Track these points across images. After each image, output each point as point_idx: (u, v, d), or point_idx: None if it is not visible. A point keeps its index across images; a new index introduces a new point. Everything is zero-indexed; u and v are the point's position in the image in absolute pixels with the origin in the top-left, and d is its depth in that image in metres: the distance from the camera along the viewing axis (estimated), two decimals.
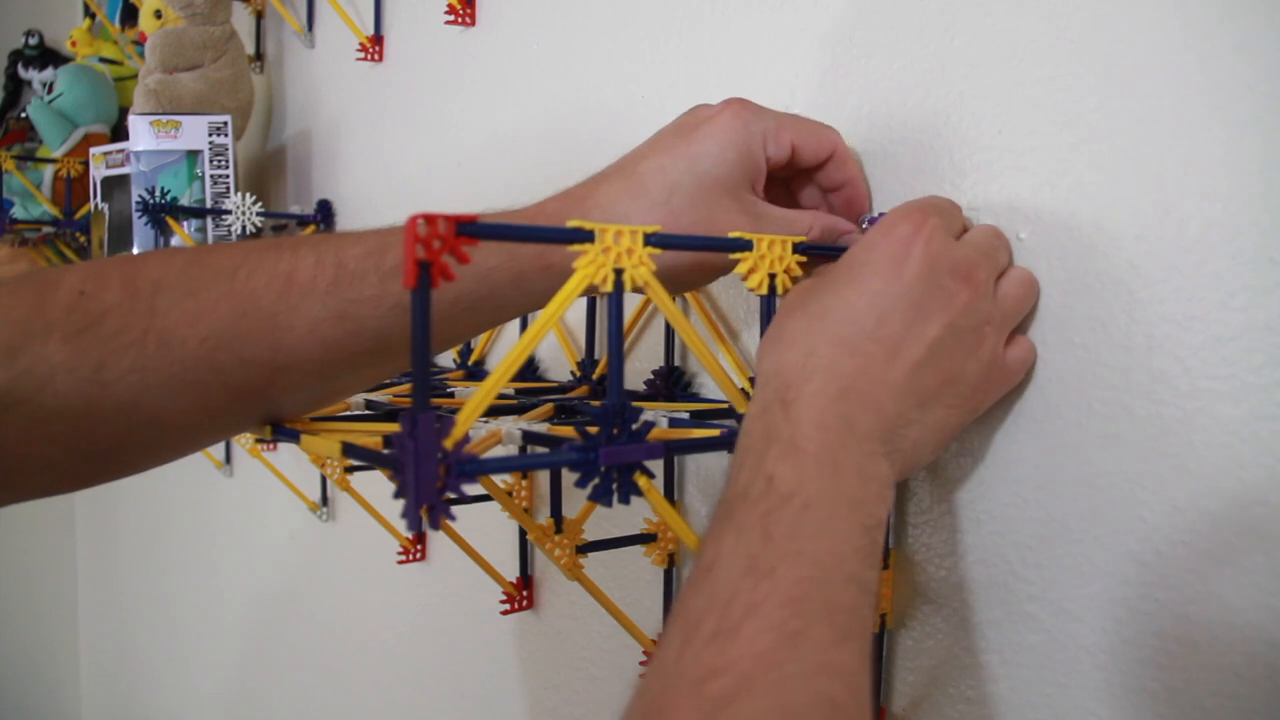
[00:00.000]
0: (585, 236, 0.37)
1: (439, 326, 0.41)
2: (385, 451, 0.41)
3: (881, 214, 0.46)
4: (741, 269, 0.42)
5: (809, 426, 0.37)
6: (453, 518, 0.34)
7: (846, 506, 0.36)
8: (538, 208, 0.45)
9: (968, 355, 0.41)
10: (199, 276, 0.41)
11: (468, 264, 0.33)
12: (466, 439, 0.34)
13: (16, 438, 0.39)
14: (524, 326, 0.75)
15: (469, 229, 0.33)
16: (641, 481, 0.39)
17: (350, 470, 0.78)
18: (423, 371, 0.33)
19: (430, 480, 0.32)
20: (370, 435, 0.44)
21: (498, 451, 0.45)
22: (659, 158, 0.45)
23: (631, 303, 0.64)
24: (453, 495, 0.34)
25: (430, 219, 0.32)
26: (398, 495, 0.33)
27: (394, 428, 0.46)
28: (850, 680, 0.32)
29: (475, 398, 0.35)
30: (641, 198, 0.44)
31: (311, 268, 0.41)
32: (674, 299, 0.61)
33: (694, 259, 0.45)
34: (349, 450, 0.40)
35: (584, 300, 0.68)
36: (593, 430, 0.38)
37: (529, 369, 0.75)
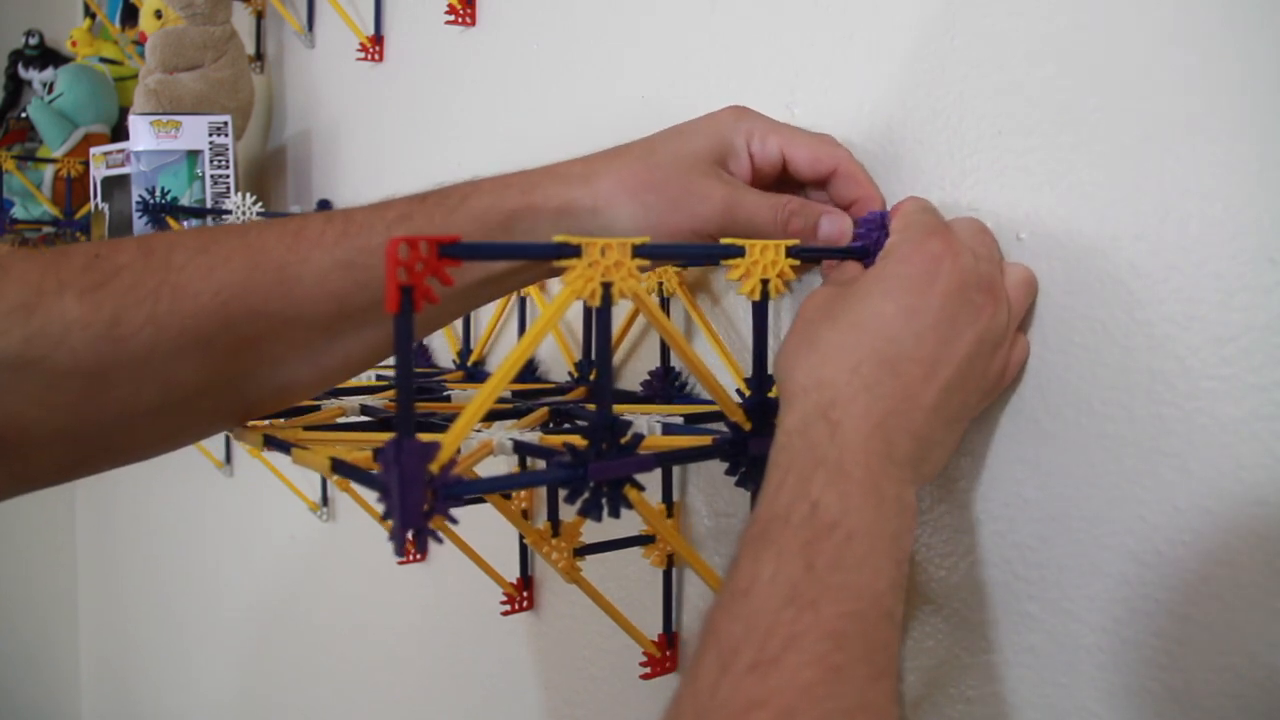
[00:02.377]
0: (572, 251, 0.36)
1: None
2: (373, 471, 0.41)
3: (875, 214, 0.46)
4: (734, 275, 0.42)
5: (855, 451, 0.37)
6: (440, 540, 0.34)
7: (886, 540, 0.36)
8: (524, 177, 0.47)
9: (987, 367, 0.42)
10: (212, 236, 0.42)
11: (451, 285, 0.33)
12: (454, 460, 0.34)
13: (31, 401, 0.39)
14: (521, 330, 0.75)
15: (451, 250, 0.33)
16: (632, 495, 0.39)
17: None
18: (406, 395, 0.32)
19: (416, 506, 0.32)
20: (361, 449, 0.44)
21: (489, 461, 0.45)
22: (649, 136, 0.47)
23: (628, 303, 0.64)
24: (441, 519, 0.33)
25: (411, 242, 0.32)
26: (385, 516, 0.33)
27: (386, 438, 0.46)
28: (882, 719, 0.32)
29: (464, 416, 0.34)
30: (624, 157, 0.46)
31: (320, 224, 0.43)
32: (667, 311, 0.61)
33: (674, 225, 0.46)
34: (338, 467, 0.40)
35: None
36: (582, 444, 0.38)
37: (527, 370, 0.75)
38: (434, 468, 0.33)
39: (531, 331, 0.36)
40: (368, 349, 0.46)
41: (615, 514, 0.38)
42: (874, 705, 0.32)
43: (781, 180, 0.49)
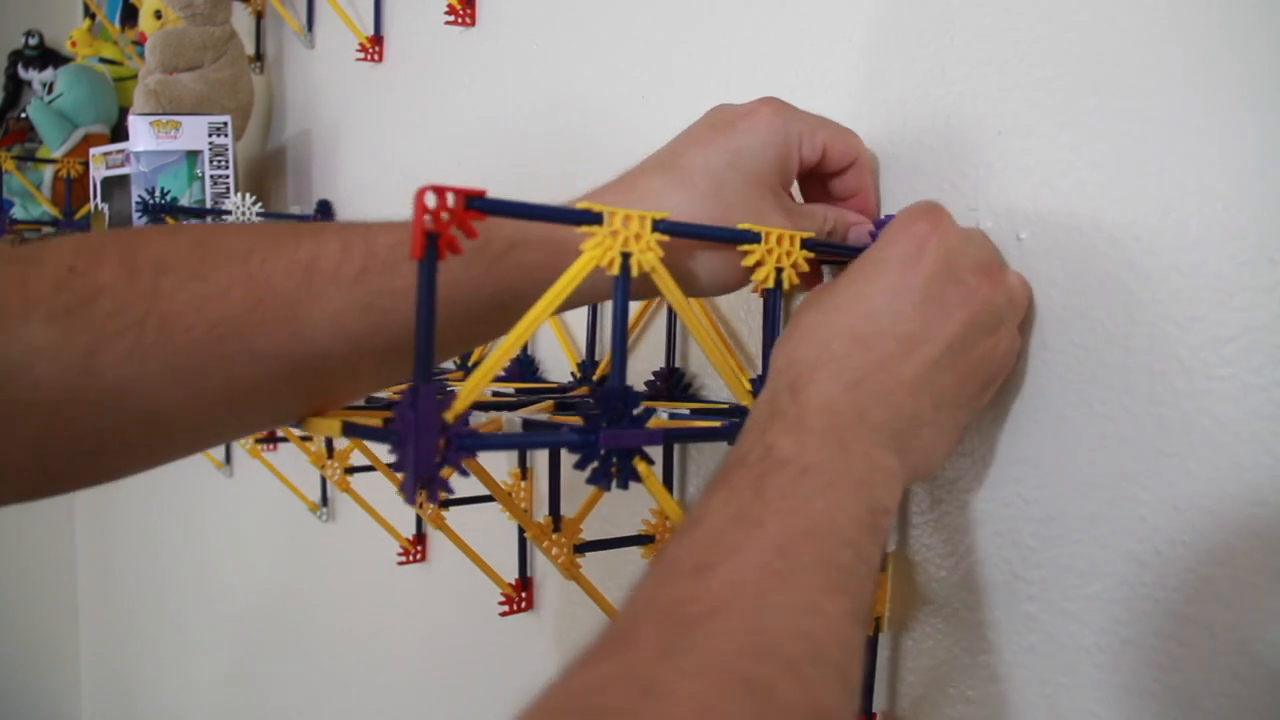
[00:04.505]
0: (594, 218, 0.37)
1: (475, 322, 0.40)
2: (385, 434, 0.41)
3: (890, 216, 0.46)
4: (749, 261, 0.42)
5: (816, 409, 0.36)
6: (451, 491, 0.34)
7: (851, 482, 0.34)
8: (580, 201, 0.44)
9: (986, 352, 0.41)
10: (208, 259, 0.37)
11: (475, 238, 0.33)
12: (468, 414, 0.34)
13: None
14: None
15: (477, 203, 0.33)
16: (641, 467, 0.39)
17: (350, 471, 0.78)
18: (426, 344, 0.33)
19: (430, 452, 0.32)
20: (370, 419, 0.44)
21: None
22: (700, 151, 0.43)
23: (632, 304, 0.64)
24: (451, 470, 0.34)
25: (439, 191, 0.32)
26: (397, 468, 0.33)
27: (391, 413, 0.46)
28: (836, 628, 0.29)
29: (479, 371, 0.35)
30: (690, 190, 0.42)
31: (337, 254, 0.38)
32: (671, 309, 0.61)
33: (719, 261, 0.43)
34: (349, 429, 0.40)
35: None
36: (594, 414, 0.38)
37: (529, 369, 0.75)
38: (449, 417, 0.33)
39: (544, 301, 0.36)
40: (377, 384, 0.43)
41: (624, 485, 0.38)
42: (824, 610, 0.29)
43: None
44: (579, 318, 0.69)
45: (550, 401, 0.55)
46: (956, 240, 0.40)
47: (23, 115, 1.51)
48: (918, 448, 0.39)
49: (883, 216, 0.47)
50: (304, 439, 0.78)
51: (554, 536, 0.58)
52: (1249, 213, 0.38)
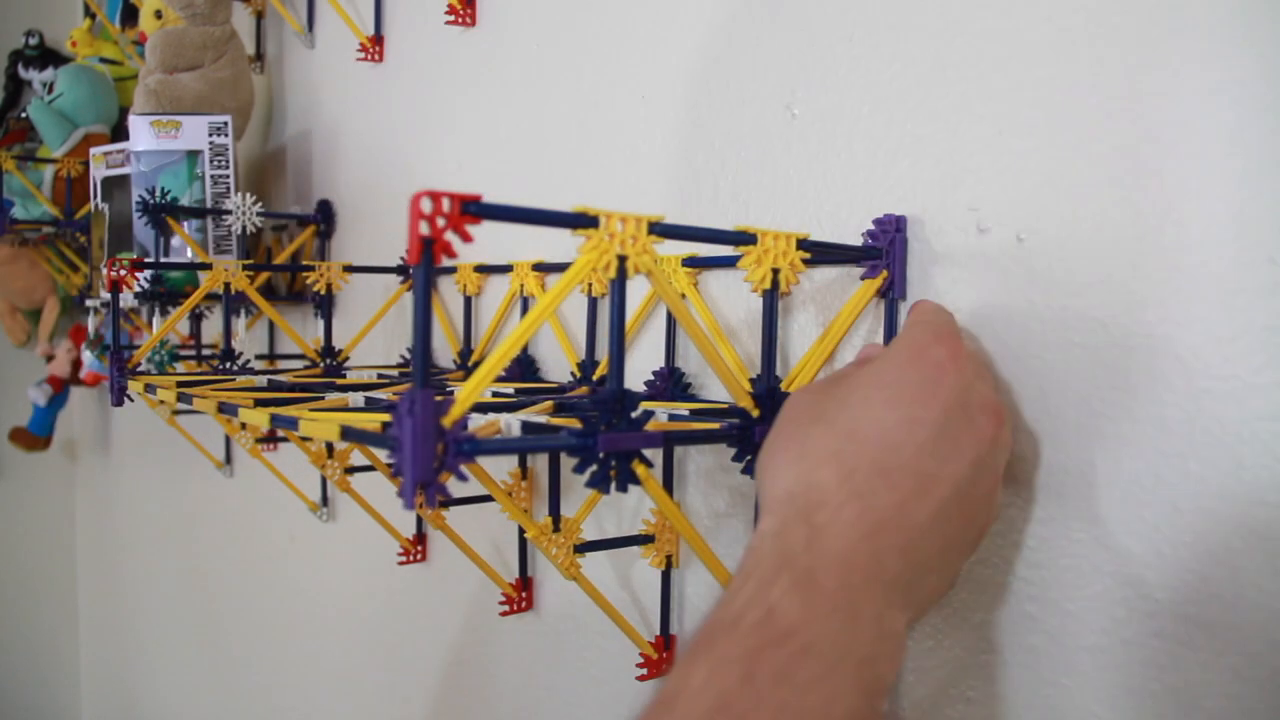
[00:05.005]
0: (589, 222, 0.37)
1: None
2: (383, 435, 0.41)
3: (890, 214, 0.45)
4: (746, 263, 0.42)
5: (834, 561, 0.33)
6: (449, 496, 0.34)
7: (854, 663, 0.31)
8: None
9: (987, 495, 0.40)
10: None
11: (470, 242, 0.33)
12: (465, 420, 0.34)
13: None
14: (524, 314, 0.75)
15: (473, 208, 0.33)
16: (640, 470, 0.39)
17: (350, 471, 0.78)
18: (423, 349, 0.33)
19: (428, 457, 0.32)
20: (369, 422, 0.44)
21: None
22: None
23: (632, 303, 0.64)
24: (449, 475, 0.34)
25: (435, 196, 0.32)
26: (396, 472, 0.33)
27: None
28: None
29: (478, 374, 0.35)
30: None
31: None
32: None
33: None
34: (347, 434, 0.40)
35: (584, 300, 0.68)
36: (593, 416, 0.38)
37: (529, 369, 0.75)
38: (446, 423, 0.33)
39: (543, 303, 0.37)
40: None
41: (622, 488, 0.38)
42: None
43: None
44: (579, 317, 0.69)
45: (550, 402, 0.55)
46: (971, 374, 0.39)
47: (23, 115, 1.51)
48: (921, 598, 0.37)
49: (879, 213, 0.46)
50: (304, 439, 0.78)
51: (554, 536, 0.58)
52: (1249, 213, 0.38)
